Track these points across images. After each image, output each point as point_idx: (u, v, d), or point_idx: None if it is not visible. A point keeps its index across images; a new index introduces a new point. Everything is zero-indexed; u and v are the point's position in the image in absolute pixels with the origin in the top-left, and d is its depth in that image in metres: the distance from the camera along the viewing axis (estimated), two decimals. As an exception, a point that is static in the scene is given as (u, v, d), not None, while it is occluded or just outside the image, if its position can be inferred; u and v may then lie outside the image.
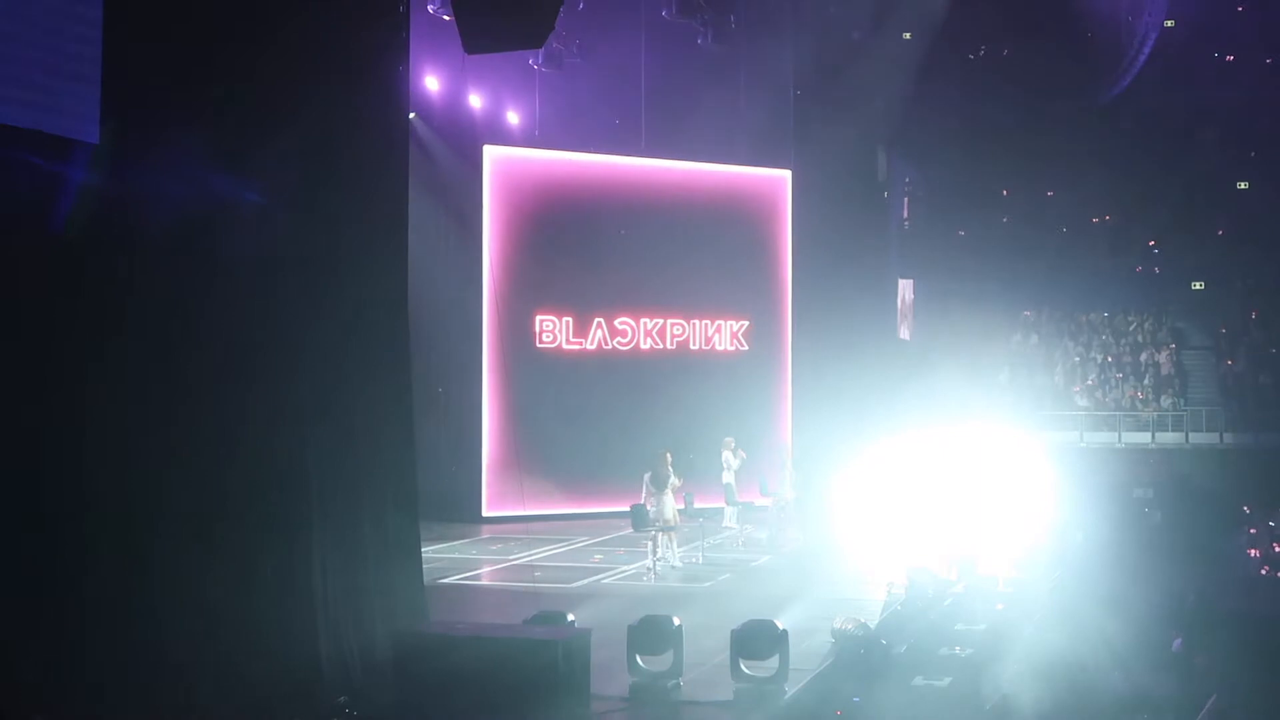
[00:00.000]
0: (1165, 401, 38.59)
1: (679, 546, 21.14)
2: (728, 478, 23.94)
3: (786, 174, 30.21)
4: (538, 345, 27.59)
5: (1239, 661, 12.37)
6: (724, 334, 29.47)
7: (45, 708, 8.93)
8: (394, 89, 13.51)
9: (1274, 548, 22.07)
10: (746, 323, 29.65)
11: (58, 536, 9.43)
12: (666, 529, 20.56)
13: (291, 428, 11.37)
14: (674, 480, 20.69)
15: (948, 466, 21.28)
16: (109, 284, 9.95)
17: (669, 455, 20.87)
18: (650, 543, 20.45)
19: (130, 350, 10.01)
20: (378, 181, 12.97)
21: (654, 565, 20.26)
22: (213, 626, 10.30)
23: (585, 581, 19.47)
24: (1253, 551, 21.77)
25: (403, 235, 13.50)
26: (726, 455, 24.05)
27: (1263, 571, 20.17)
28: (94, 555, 9.62)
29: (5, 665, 9.03)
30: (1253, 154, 43.93)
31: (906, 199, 41.74)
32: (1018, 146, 40.54)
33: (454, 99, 27.09)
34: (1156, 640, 13.24)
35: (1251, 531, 23.47)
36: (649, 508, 20.47)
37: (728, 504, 23.99)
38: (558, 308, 27.73)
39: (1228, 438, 36.74)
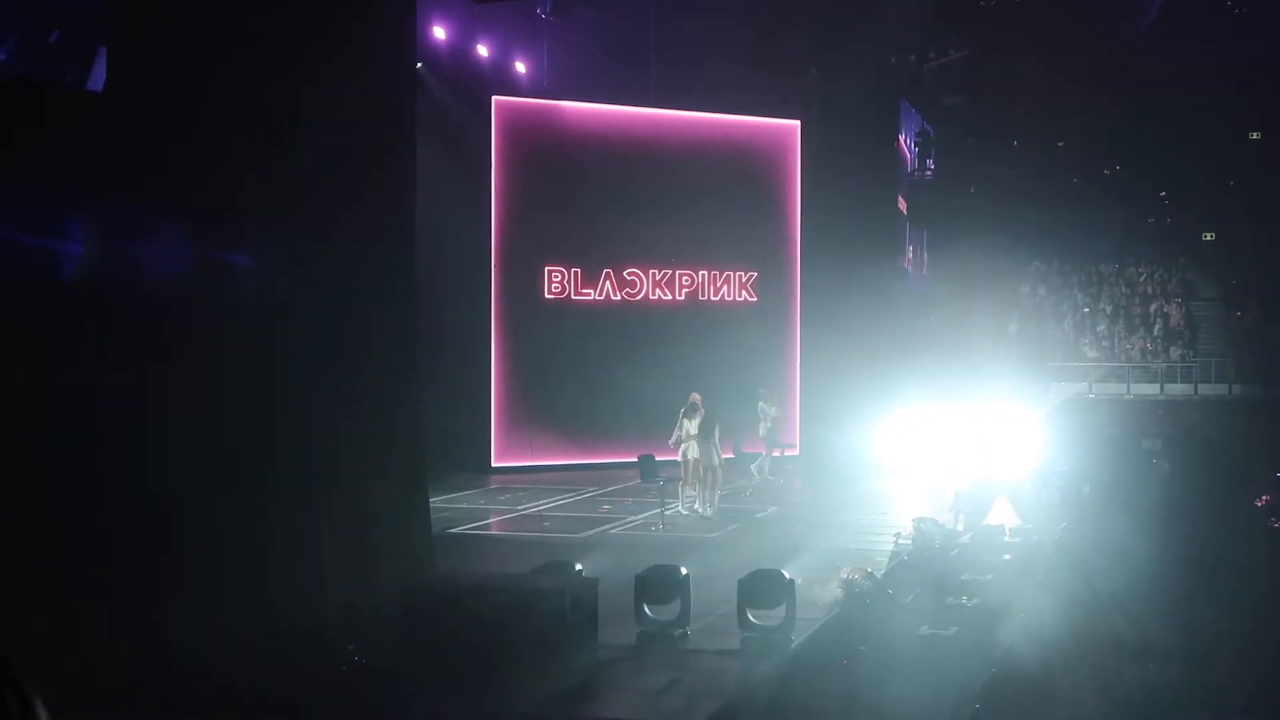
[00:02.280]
0: (1174, 353, 38.54)
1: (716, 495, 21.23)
2: (765, 427, 24.13)
3: (796, 124, 30.07)
4: (546, 296, 27.56)
5: (1243, 615, 12.40)
6: (732, 285, 29.42)
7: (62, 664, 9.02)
8: (404, 42, 13.45)
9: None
10: (755, 274, 29.59)
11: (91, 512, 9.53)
12: (711, 473, 20.70)
13: (301, 383, 11.40)
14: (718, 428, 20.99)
15: (951, 429, 21.45)
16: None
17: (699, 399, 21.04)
18: (683, 486, 20.72)
19: (142, 320, 10.04)
20: (386, 137, 12.92)
21: (683, 508, 20.52)
22: (224, 578, 10.37)
23: (593, 531, 19.54)
24: (1262, 501, 21.80)
25: (410, 192, 13.47)
26: (763, 406, 24.21)
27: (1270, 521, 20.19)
28: (120, 514, 9.70)
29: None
30: (1265, 105, 43.65)
31: (917, 150, 41.59)
32: (1029, 99, 40.30)
33: (462, 49, 26.96)
34: (1162, 590, 13.27)
35: (1269, 482, 23.50)
36: (687, 453, 20.70)
37: (767, 452, 24.21)
38: (566, 259, 27.69)
39: (1236, 389, 36.73)
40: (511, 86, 28.00)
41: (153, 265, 10.47)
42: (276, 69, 11.22)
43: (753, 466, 24.21)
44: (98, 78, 9.87)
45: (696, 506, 20.78)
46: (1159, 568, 14.30)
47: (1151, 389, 37.32)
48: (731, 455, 21.76)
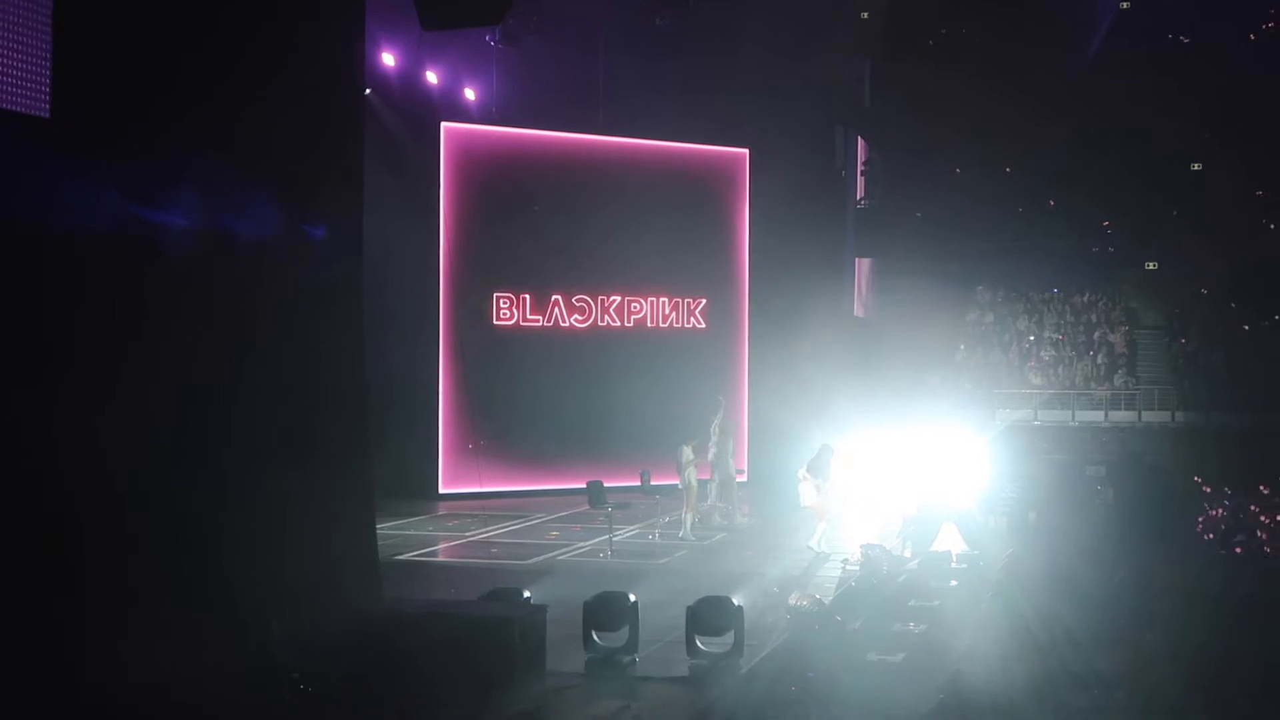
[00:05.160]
0: (1118, 380, 38.92)
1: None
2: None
3: (745, 152, 30.22)
4: (495, 323, 27.53)
5: (1184, 635, 12.53)
6: (681, 312, 29.51)
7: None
8: (351, 67, 13.40)
9: (1221, 525, 22.34)
10: (704, 300, 29.70)
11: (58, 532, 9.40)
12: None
13: (245, 404, 11.30)
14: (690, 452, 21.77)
15: (897, 454, 21.60)
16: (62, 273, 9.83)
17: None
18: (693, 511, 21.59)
19: (77, 337, 9.90)
20: (333, 161, 12.86)
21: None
22: (165, 605, 10.24)
23: (541, 558, 19.48)
24: (1206, 523, 22.07)
25: (358, 218, 13.41)
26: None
27: (1212, 547, 20.43)
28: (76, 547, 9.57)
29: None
30: (1207, 135, 44.24)
31: (863, 178, 41.87)
32: (974, 127, 40.66)
33: (410, 75, 26.93)
34: (1106, 616, 13.39)
35: (1211, 507, 23.76)
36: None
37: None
38: (515, 285, 27.67)
39: (1179, 416, 37.10)
40: (461, 113, 27.99)
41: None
42: (219, 93, 11.14)
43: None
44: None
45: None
46: (1104, 593, 14.44)
47: (1096, 416, 37.64)
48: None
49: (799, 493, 20.21)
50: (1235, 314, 41.76)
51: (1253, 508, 25.42)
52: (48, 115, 9.60)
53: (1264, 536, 22.58)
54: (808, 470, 20.21)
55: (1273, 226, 44.73)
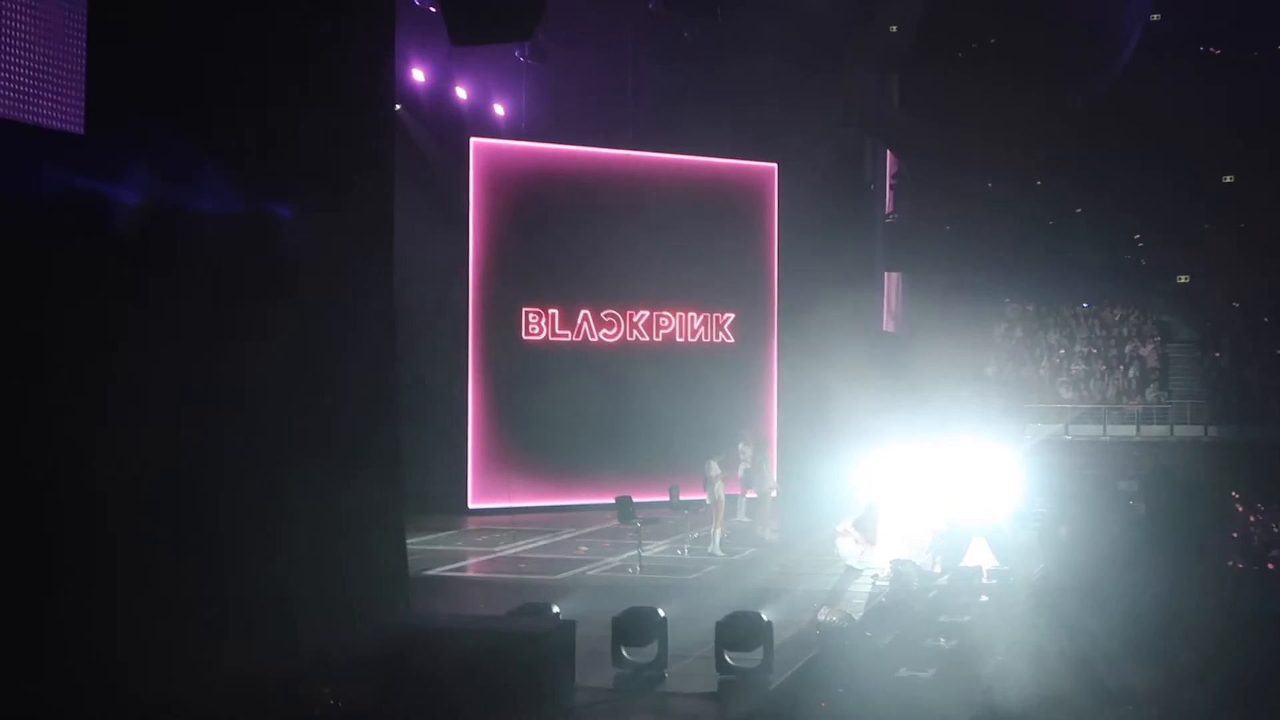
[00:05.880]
0: (1150, 394, 38.71)
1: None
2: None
3: (773, 166, 30.20)
4: (524, 337, 27.55)
5: (1218, 652, 12.42)
6: (710, 326, 29.48)
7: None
8: (381, 82, 13.48)
9: (1255, 541, 22.14)
10: (733, 315, 29.66)
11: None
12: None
13: (277, 422, 11.35)
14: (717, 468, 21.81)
15: (928, 469, 21.48)
16: (86, 278, 9.88)
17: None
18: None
19: (92, 346, 9.94)
20: (365, 177, 12.93)
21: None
22: (194, 621, 10.28)
23: (570, 573, 19.47)
24: (1239, 539, 21.89)
25: (389, 230, 13.48)
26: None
27: (1246, 563, 20.24)
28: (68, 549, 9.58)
29: None
30: (1239, 147, 44.02)
31: (892, 192, 41.78)
32: (1004, 140, 40.55)
33: (440, 91, 27.04)
34: (1138, 632, 13.29)
35: (1244, 522, 23.56)
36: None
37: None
38: (544, 300, 27.70)
39: (1212, 430, 36.88)
40: (490, 128, 28.08)
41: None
42: (249, 109, 11.22)
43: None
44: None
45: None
46: (1136, 608, 14.33)
47: (1128, 430, 37.46)
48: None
49: (838, 547, 19.96)
50: (1268, 327, 41.48)
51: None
52: (82, 131, 9.69)
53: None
54: (854, 527, 19.98)
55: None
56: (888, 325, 39.60)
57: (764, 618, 12.78)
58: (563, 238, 27.50)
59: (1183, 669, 12.37)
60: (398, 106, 20.91)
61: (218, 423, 10.77)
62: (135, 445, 9.97)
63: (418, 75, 26.17)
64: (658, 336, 28.89)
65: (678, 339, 29.11)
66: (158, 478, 10.20)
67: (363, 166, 12.94)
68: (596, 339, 28.21)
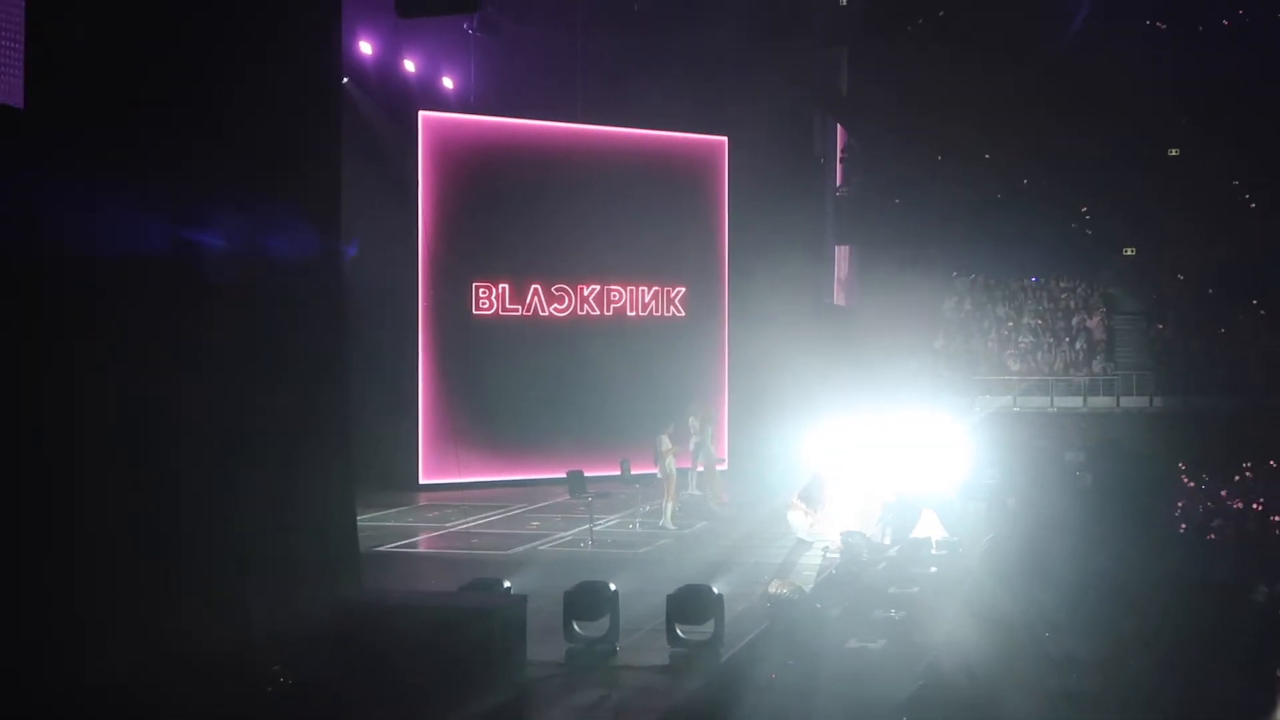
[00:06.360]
0: (1097, 366, 39.05)
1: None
2: (694, 442, 24.33)
3: (724, 140, 30.18)
4: (474, 312, 27.47)
5: (1162, 620, 12.58)
6: (661, 300, 29.48)
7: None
8: (327, 54, 13.37)
9: (1199, 510, 22.46)
10: (683, 289, 29.65)
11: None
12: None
13: (227, 401, 11.26)
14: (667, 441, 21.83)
15: (877, 442, 21.61)
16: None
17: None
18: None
19: (60, 328, 9.83)
20: (311, 151, 12.82)
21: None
22: (143, 596, 10.20)
23: (522, 548, 19.47)
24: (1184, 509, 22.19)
25: (336, 204, 13.38)
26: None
27: (1190, 532, 20.52)
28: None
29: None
30: (1185, 121, 44.40)
31: (842, 165, 41.89)
32: (953, 113, 40.70)
33: (388, 64, 26.84)
34: (1084, 601, 13.44)
35: (1188, 492, 23.86)
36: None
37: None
38: (494, 275, 27.60)
39: (1157, 402, 37.25)
40: (439, 102, 27.90)
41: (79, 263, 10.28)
42: (191, 78, 11.09)
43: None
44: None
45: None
46: (1082, 578, 14.49)
47: (1075, 402, 37.76)
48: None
49: (789, 520, 20.07)
50: (1213, 300, 41.93)
51: (1225, 493, 25.58)
52: (22, 107, 9.54)
53: (1240, 522, 22.71)
54: (800, 498, 20.11)
55: (1252, 208, 44.91)
56: (838, 298, 39.78)
57: (715, 591, 12.85)
58: (512, 212, 27.39)
59: (1128, 638, 12.52)
60: (345, 79, 20.76)
61: (164, 398, 10.67)
62: (84, 418, 9.89)
63: (365, 48, 25.96)
64: (608, 310, 28.87)
65: (628, 313, 29.09)
66: (105, 448, 10.11)
67: (308, 140, 12.82)
68: (547, 313, 28.16)
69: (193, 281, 10.99)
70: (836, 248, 39.99)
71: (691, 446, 24.53)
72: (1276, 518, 23.19)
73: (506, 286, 27.74)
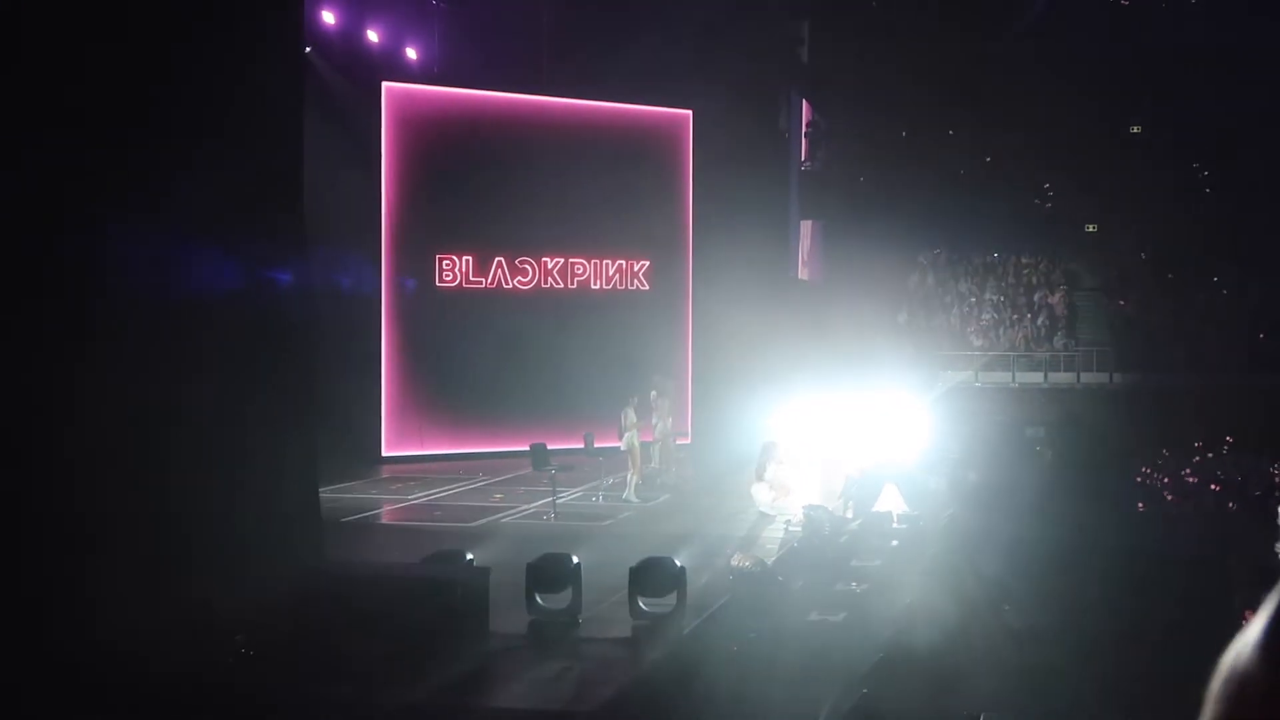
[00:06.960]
0: (1058, 342, 39.27)
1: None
2: (656, 416, 24.34)
3: (688, 113, 30.12)
4: (438, 284, 27.38)
5: (1122, 594, 12.69)
6: (625, 274, 29.44)
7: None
8: (289, 23, 13.28)
9: (1157, 485, 22.64)
10: (647, 263, 29.63)
11: None
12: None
13: (187, 372, 11.21)
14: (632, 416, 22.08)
15: (840, 416, 21.68)
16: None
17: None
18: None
19: (44, 316, 9.80)
20: (272, 122, 12.74)
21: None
22: (107, 566, 10.17)
23: (484, 521, 19.47)
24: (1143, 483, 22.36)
25: (298, 176, 13.31)
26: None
27: (1148, 506, 20.70)
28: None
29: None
30: (1146, 99, 44.62)
31: (807, 140, 41.86)
32: (918, 90, 40.74)
33: (351, 33, 26.66)
34: (1044, 575, 13.54)
35: (1147, 467, 24.05)
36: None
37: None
38: (458, 247, 27.51)
39: (1118, 378, 37.47)
40: (402, 72, 27.75)
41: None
42: (151, 45, 10.99)
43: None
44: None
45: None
46: (1041, 551, 14.59)
47: (1036, 377, 37.96)
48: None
49: (752, 494, 20.13)
50: (1173, 276, 42.20)
51: (1185, 470, 25.79)
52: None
53: (1198, 496, 22.91)
54: (755, 470, 20.21)
55: (1208, 189, 45.21)
56: (802, 273, 39.79)
57: (677, 563, 12.88)
58: (476, 184, 27.28)
59: (1087, 611, 12.62)
60: (307, 49, 20.60)
61: (132, 382, 10.64)
62: (58, 397, 9.88)
63: (328, 17, 25.77)
64: (572, 284, 28.82)
65: (592, 286, 29.05)
66: (93, 432, 10.10)
67: (270, 112, 12.74)
68: (511, 286, 28.09)
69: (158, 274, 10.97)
70: (801, 223, 39.98)
71: (654, 420, 24.55)
72: (1232, 491, 23.42)
73: (470, 259, 27.65)
